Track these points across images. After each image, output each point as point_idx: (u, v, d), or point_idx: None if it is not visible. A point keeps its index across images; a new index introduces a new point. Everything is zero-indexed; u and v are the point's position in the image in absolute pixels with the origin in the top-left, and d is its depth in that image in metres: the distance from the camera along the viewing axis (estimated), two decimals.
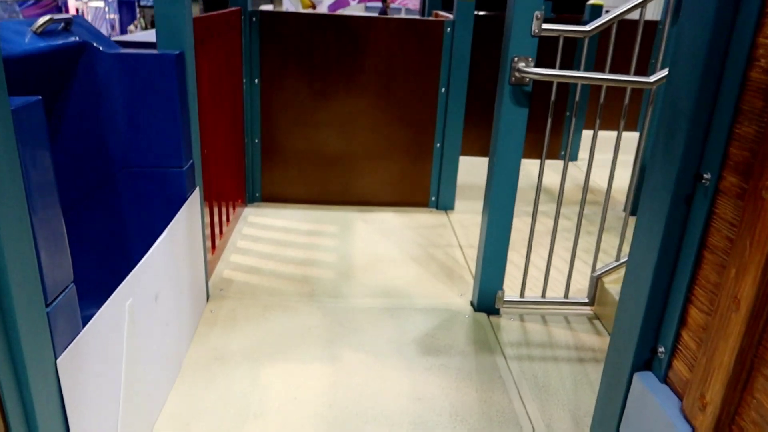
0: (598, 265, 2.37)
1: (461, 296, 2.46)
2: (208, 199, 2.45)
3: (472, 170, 4.04)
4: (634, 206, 2.55)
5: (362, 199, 3.41)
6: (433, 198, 3.43)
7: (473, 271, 2.63)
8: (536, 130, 3.95)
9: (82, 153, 1.87)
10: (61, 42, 1.66)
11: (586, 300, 2.37)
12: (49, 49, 1.59)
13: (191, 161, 2.04)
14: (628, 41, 2.12)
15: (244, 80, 3.09)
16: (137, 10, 19.45)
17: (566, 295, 2.36)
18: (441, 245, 2.96)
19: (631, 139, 4.58)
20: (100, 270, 2.02)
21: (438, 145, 3.32)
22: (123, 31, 14.81)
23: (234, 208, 3.05)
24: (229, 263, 2.66)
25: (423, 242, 2.98)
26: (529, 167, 4.13)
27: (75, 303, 1.20)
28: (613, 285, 2.28)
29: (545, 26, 1.96)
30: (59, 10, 14.06)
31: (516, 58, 1.98)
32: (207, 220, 2.42)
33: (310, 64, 3.14)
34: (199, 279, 2.22)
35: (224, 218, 2.84)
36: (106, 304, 1.35)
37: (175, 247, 1.88)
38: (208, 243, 2.48)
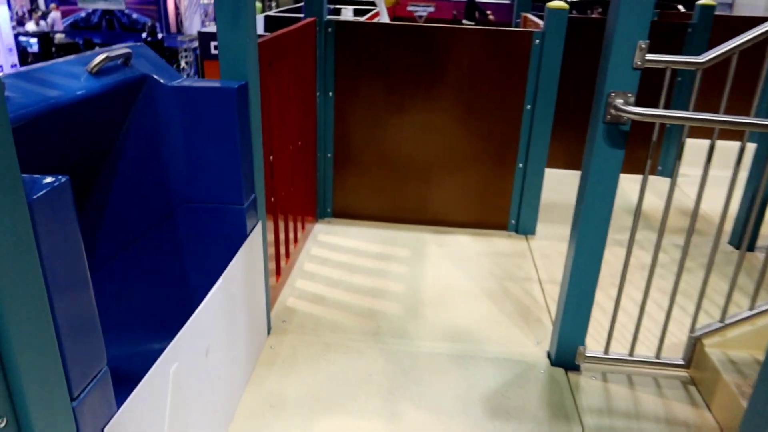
0: (700, 319, 2.08)
1: (537, 345, 2.25)
2: (275, 219, 2.37)
3: (557, 186, 3.74)
4: (742, 238, 2.20)
5: (437, 218, 3.24)
6: (513, 221, 3.19)
7: (553, 313, 2.40)
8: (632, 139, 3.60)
9: (142, 187, 1.82)
10: (119, 79, 1.59)
11: (681, 361, 2.09)
12: (105, 89, 1.53)
13: (253, 196, 1.95)
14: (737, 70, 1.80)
15: (318, 93, 2.98)
16: None
17: (658, 354, 2.09)
18: (518, 278, 2.74)
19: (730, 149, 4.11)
20: (157, 306, 1.97)
21: (520, 165, 3.08)
22: None
23: (303, 226, 2.97)
24: (294, 289, 2.57)
25: (499, 273, 2.77)
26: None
27: (108, 388, 1.12)
28: (716, 349, 1.99)
29: (650, 56, 1.70)
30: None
31: (613, 94, 1.73)
32: (272, 246, 2.33)
33: (387, 75, 2.99)
34: (260, 314, 2.14)
35: (292, 238, 2.76)
36: (146, 376, 1.27)
37: (232, 292, 1.80)
38: (273, 268, 2.40)
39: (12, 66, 8.78)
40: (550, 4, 2.82)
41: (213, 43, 7.49)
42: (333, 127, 3.09)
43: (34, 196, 0.87)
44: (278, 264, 2.50)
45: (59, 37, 14.49)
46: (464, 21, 14.25)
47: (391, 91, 3.01)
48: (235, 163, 1.80)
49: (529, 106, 2.95)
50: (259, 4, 21.52)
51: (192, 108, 1.75)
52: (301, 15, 3.08)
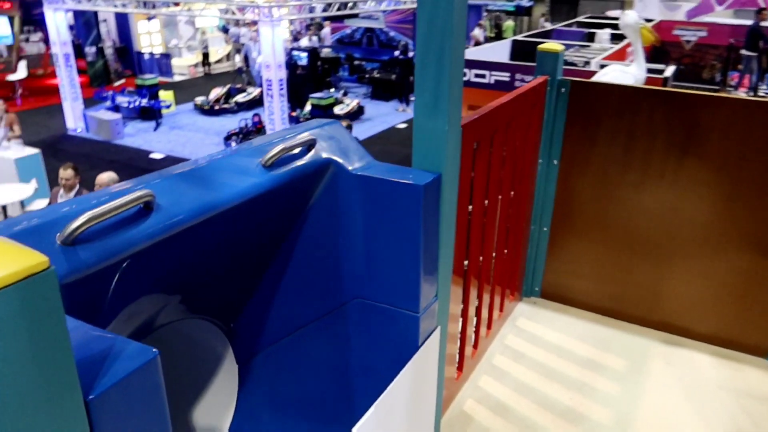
0: None
1: None
2: (465, 307, 2.09)
3: None
4: None
5: (669, 322, 2.61)
6: None
7: None
8: None
9: (315, 275, 1.67)
10: (298, 169, 1.45)
11: None
12: (278, 183, 1.39)
13: (434, 300, 1.68)
14: None
15: (540, 160, 2.60)
16: (483, 14, 20.09)
17: None
18: None
19: None
20: (315, 397, 1.82)
21: None
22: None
23: (502, 306, 2.62)
24: (476, 389, 2.24)
25: (747, 427, 2.09)
26: None
27: None
28: None
29: None
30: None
31: None
32: (455, 340, 2.05)
33: (627, 145, 2.48)
34: (425, 426, 1.87)
35: (485, 322, 2.43)
36: None
37: (395, 407, 1.56)
38: (455, 363, 2.11)
39: (280, 81, 9.86)
40: None
41: (472, 71, 7.47)
42: (553, 199, 2.67)
43: (91, 396, 0.71)
44: (462, 359, 2.20)
45: (325, 52, 16.04)
46: (743, 51, 12.24)
47: (630, 162, 2.49)
48: (415, 267, 1.55)
49: None
50: (510, 23, 21.39)
51: (374, 199, 1.54)
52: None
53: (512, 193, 2.38)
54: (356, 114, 13.33)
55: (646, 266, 2.58)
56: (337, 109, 12.69)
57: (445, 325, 1.81)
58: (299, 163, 1.46)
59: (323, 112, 11.52)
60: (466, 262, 2.03)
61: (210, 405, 1.87)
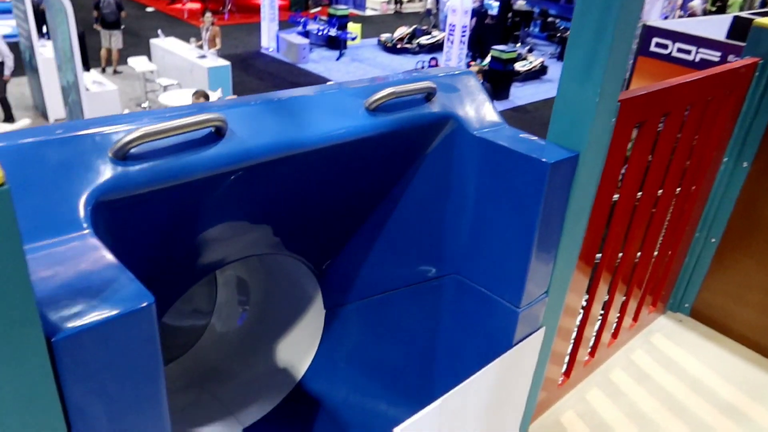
0: None
1: None
2: (590, 299, 1.82)
3: None
4: None
5: None
6: None
7: None
8: None
9: (414, 240, 1.51)
10: (406, 119, 1.27)
11: None
12: (380, 130, 1.22)
13: (543, 297, 1.44)
14: None
15: (725, 159, 2.13)
16: None
17: None
18: None
19: None
20: (400, 365, 1.69)
21: None
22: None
23: (638, 314, 2.26)
24: (581, 401, 1.97)
25: None
26: None
27: None
28: None
29: None
30: None
31: None
32: (566, 339, 1.79)
33: None
34: (507, 428, 1.66)
35: (613, 328, 2.12)
36: None
37: (469, 404, 1.39)
38: (557, 373, 1.86)
39: (463, 27, 9.51)
40: None
41: (655, 40, 6.63)
42: (732, 207, 2.21)
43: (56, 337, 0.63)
44: (572, 364, 1.93)
45: (519, 4, 15.19)
46: None
47: None
48: (524, 256, 1.32)
49: None
50: None
51: (493, 169, 1.32)
52: None
53: (678, 190, 1.98)
54: (538, 73, 12.58)
55: None
56: (519, 65, 12.05)
57: (553, 326, 1.56)
58: (412, 112, 1.28)
59: (503, 66, 11.00)
60: (598, 256, 1.74)
61: (293, 343, 1.83)
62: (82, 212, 0.83)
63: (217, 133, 1.00)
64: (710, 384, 2.11)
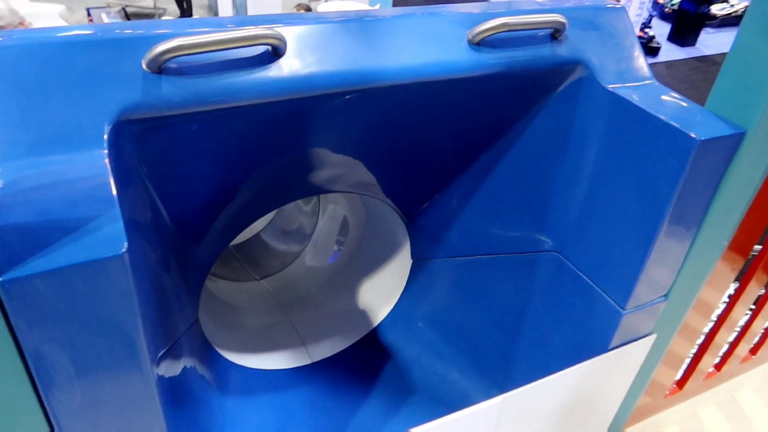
0: None
1: None
2: (732, 303, 1.51)
3: None
4: None
5: None
6: None
7: None
8: None
9: (515, 204, 1.29)
10: (519, 60, 1.02)
11: None
12: (480, 68, 1.00)
13: (657, 301, 1.17)
14: None
15: None
16: None
17: None
18: None
19: None
20: (480, 337, 1.52)
21: None
22: None
23: None
24: (692, 418, 1.67)
25: None
26: None
27: None
28: None
29: None
30: None
31: None
32: (688, 342, 1.50)
33: None
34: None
35: (756, 340, 1.77)
36: None
37: (541, 404, 1.20)
38: (669, 379, 1.58)
39: None
40: None
41: None
42: None
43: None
44: (689, 373, 1.63)
45: None
46: None
47: None
48: (643, 247, 1.06)
49: None
50: None
51: (623, 134, 1.05)
52: None
53: None
54: (738, 19, 10.84)
55: None
56: (716, 8, 10.43)
57: (668, 335, 1.29)
58: (528, 51, 1.03)
59: (696, 6, 9.57)
60: (757, 247, 1.40)
61: (376, 289, 1.73)
62: (101, 129, 0.73)
63: (274, 54, 0.84)
64: None
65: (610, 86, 1.05)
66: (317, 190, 1.35)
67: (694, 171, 0.96)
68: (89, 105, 0.73)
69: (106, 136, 0.73)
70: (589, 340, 1.21)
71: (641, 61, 1.11)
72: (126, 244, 0.58)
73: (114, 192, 0.65)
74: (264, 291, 1.90)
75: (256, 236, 2.10)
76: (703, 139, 0.92)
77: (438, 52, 0.96)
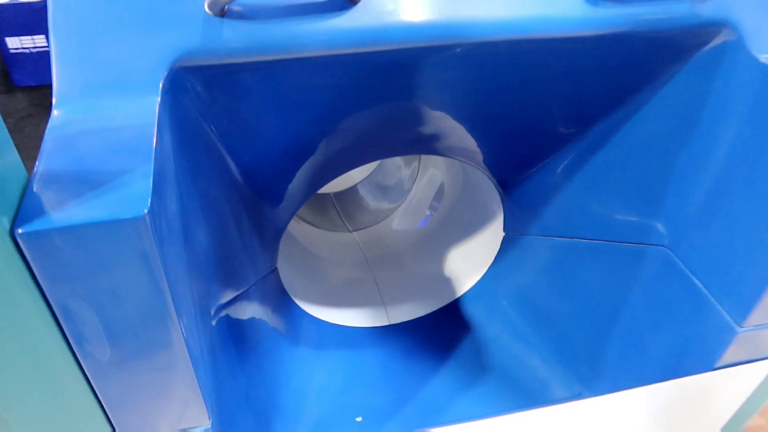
0: None
1: None
2: None
3: None
4: None
5: None
6: None
7: None
8: None
9: (626, 185, 1.12)
10: (659, 13, 0.85)
11: None
12: (602, 25, 0.84)
13: None
14: None
15: None
16: None
17: None
18: None
19: None
20: (571, 328, 1.38)
21: None
22: None
23: None
24: None
25: None
26: None
27: None
28: None
29: None
30: None
31: None
32: None
33: None
34: None
35: None
36: None
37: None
38: None
39: None
40: None
41: None
42: None
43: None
44: None
45: None
46: None
47: None
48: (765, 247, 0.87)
49: None
50: None
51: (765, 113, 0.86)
52: None
53: None
54: None
55: None
56: None
57: None
58: (662, 7, 0.85)
59: None
60: None
61: (464, 258, 1.64)
62: (157, 75, 0.69)
63: (351, 1, 0.75)
64: None
65: (762, 57, 0.85)
66: (406, 151, 1.27)
67: None
68: (146, 48, 0.69)
69: (161, 84, 0.68)
70: (694, 354, 1.04)
71: None
72: (149, 205, 0.53)
73: (153, 146, 0.60)
74: (354, 244, 1.87)
75: (353, 188, 2.07)
76: None
77: (548, 5, 0.81)
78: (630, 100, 1.01)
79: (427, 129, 1.12)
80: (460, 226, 1.65)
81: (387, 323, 1.60)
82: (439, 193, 1.77)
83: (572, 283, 1.33)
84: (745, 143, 0.90)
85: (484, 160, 1.26)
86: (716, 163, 0.95)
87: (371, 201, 2.03)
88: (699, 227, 1.00)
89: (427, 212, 1.80)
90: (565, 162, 1.20)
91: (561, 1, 0.82)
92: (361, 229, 1.93)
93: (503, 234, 1.50)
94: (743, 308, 0.93)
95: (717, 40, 0.88)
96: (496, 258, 1.52)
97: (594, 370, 1.31)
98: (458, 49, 0.83)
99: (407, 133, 1.12)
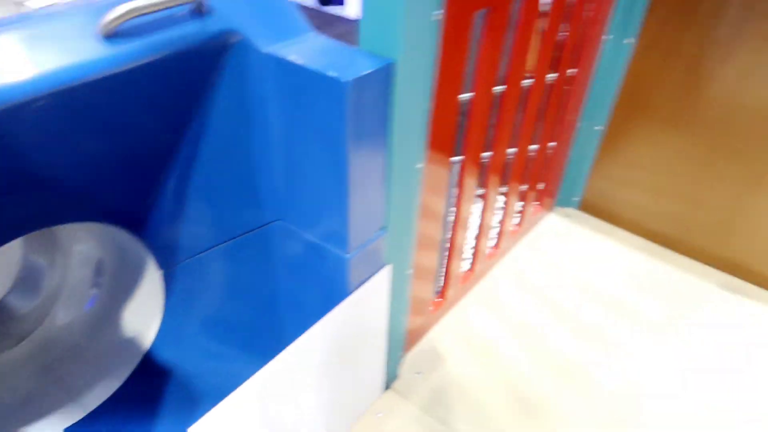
0: None
1: None
2: (458, 216, 1.64)
3: None
4: None
5: (739, 263, 2.04)
6: None
7: None
8: None
9: (228, 187, 1.26)
10: (162, 42, 0.98)
11: None
12: (122, 61, 0.93)
13: (376, 236, 1.24)
14: None
15: (610, 36, 1.91)
16: None
17: None
18: None
19: None
20: (246, 322, 1.50)
21: None
22: None
23: (522, 219, 2.13)
24: (462, 323, 1.85)
25: None
26: None
27: None
28: None
29: None
30: None
31: None
32: (436, 252, 1.63)
33: (740, 26, 1.75)
34: (372, 371, 1.53)
35: (494, 238, 1.99)
36: None
37: (306, 363, 1.22)
38: (427, 297, 1.71)
39: None
40: None
41: None
42: (615, 89, 2.02)
43: None
44: (446, 285, 1.79)
45: None
46: None
47: (740, 47, 1.77)
48: (339, 194, 1.11)
49: None
50: None
51: (290, 93, 1.07)
52: None
53: (550, 77, 1.78)
54: None
55: (728, 185, 1.95)
56: None
57: (404, 260, 1.39)
58: (172, 32, 0.98)
59: None
60: (457, 158, 1.54)
61: (136, 311, 1.61)
62: None
63: None
64: (598, 281, 2.03)
65: (267, 48, 1.05)
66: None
67: (355, 110, 1.00)
68: None
69: None
70: (331, 292, 1.25)
71: (295, 15, 1.13)
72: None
73: None
74: (22, 357, 1.68)
75: None
76: (350, 79, 0.96)
77: (67, 53, 0.87)
78: (190, 117, 1.13)
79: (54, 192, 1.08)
80: (122, 283, 1.61)
81: (83, 413, 1.50)
82: (99, 269, 1.70)
83: (235, 285, 1.44)
84: (286, 118, 1.10)
85: (103, 214, 1.27)
86: (279, 142, 1.14)
87: (23, 306, 1.83)
88: (291, 195, 1.19)
89: (92, 292, 1.71)
90: (173, 188, 1.28)
91: (70, 47, 0.88)
92: (24, 339, 1.74)
93: (160, 271, 1.53)
94: (341, 240, 1.16)
95: (230, 46, 1.06)
96: (166, 296, 1.54)
97: (279, 346, 1.45)
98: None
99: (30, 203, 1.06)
